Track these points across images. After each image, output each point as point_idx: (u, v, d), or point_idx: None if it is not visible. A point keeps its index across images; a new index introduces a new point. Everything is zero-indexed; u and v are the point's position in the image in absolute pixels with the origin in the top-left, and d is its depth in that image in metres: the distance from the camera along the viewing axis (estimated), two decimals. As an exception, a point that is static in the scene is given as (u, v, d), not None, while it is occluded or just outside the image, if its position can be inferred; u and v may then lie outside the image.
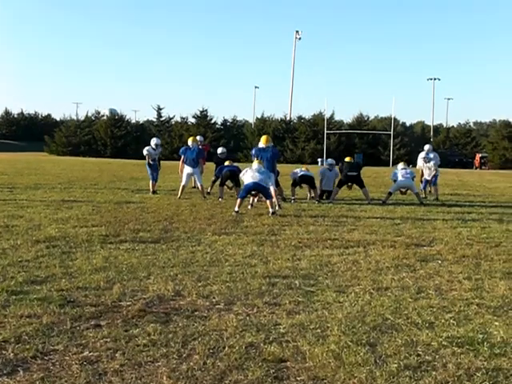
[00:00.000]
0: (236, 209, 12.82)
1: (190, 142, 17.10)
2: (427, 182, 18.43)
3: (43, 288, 6.02)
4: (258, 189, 13.33)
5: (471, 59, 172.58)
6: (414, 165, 20.94)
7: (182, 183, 16.34)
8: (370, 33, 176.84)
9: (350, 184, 17.22)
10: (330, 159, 17.88)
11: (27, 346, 4.40)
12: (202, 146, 18.66)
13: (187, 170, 16.39)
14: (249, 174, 13.34)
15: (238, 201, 13.04)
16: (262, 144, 15.16)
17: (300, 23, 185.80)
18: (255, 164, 13.84)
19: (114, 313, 5.29)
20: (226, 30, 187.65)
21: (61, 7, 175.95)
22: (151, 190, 17.36)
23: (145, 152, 17.93)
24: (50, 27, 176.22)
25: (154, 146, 17.91)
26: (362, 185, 16.56)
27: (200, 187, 16.55)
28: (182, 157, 16.62)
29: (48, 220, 10.88)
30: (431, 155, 18.71)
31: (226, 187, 16.73)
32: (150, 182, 17.63)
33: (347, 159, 17.60)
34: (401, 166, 16.97)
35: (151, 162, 17.72)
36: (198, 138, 18.99)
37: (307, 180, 16.47)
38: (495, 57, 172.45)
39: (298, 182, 16.56)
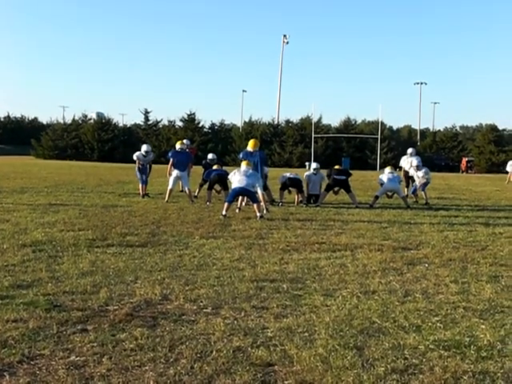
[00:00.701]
0: (223, 212, 12.81)
1: (178, 145, 17.07)
2: (415, 187, 18.53)
3: (29, 292, 5.98)
4: (245, 193, 13.34)
5: (458, 63, 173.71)
6: (400, 168, 21.07)
7: (169, 187, 16.30)
8: (356, 37, 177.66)
9: (337, 189, 17.25)
10: (314, 163, 17.87)
11: (13, 351, 4.37)
12: (188, 150, 18.64)
13: (175, 173, 16.34)
14: (236, 178, 13.34)
15: (226, 205, 13.03)
16: (249, 148, 15.21)
17: (288, 27, 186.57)
18: (243, 166, 13.87)
19: (101, 317, 5.26)
20: (214, 34, 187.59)
21: (47, 10, 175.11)
22: (141, 193, 17.32)
23: (134, 157, 17.92)
24: (34, 30, 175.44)
25: (143, 153, 17.79)
26: (348, 189, 16.58)
27: (187, 191, 16.49)
28: (172, 160, 16.56)
29: (34, 224, 10.82)
30: (418, 159, 18.90)
31: (213, 191, 16.70)
32: (140, 185, 17.58)
33: (336, 167, 17.65)
34: (388, 170, 17.05)
35: (141, 167, 17.67)
36: (184, 141, 18.88)
37: (295, 183, 16.48)
38: (482, 61, 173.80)
39: (288, 185, 16.57)
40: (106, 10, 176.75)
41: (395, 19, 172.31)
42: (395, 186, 16.45)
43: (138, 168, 17.70)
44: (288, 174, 16.85)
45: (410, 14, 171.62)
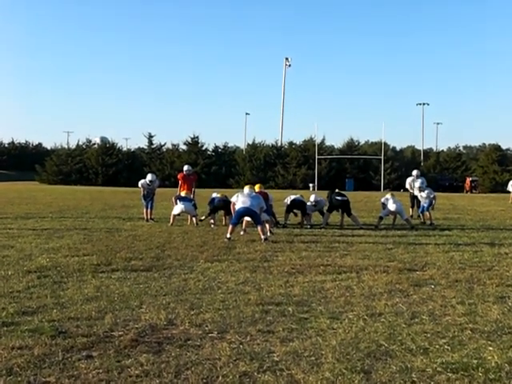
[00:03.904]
0: (228, 235, 12.80)
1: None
2: (423, 207, 18.53)
3: (34, 319, 5.96)
4: (249, 214, 13.33)
5: (459, 84, 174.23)
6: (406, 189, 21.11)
7: (174, 212, 16.30)
8: (359, 59, 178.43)
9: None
10: (313, 195, 17.61)
11: (19, 379, 4.35)
12: (190, 176, 18.70)
13: (180, 207, 16.33)
14: (240, 199, 13.34)
15: (230, 227, 13.02)
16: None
17: (290, 50, 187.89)
18: (246, 189, 13.90)
19: (106, 343, 5.24)
20: (216, 57, 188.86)
21: (50, 35, 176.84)
22: (145, 217, 17.35)
23: (139, 185, 17.95)
24: (36, 55, 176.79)
25: (148, 182, 17.71)
26: (349, 212, 16.50)
27: (194, 219, 16.47)
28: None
29: (39, 250, 10.83)
30: (420, 180, 19.02)
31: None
32: (144, 209, 17.60)
33: (336, 190, 17.65)
34: (388, 196, 16.97)
35: (145, 193, 17.65)
36: (185, 168, 18.97)
37: (300, 205, 16.46)
38: (483, 81, 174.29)
39: (292, 207, 16.55)
40: (108, 33, 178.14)
41: (396, 40, 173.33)
42: (399, 208, 16.43)
43: (143, 195, 17.72)
44: (292, 196, 16.84)
45: (412, 37, 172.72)
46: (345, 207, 16.55)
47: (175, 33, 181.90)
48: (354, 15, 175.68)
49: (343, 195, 16.86)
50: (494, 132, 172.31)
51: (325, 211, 16.84)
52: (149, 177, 18.01)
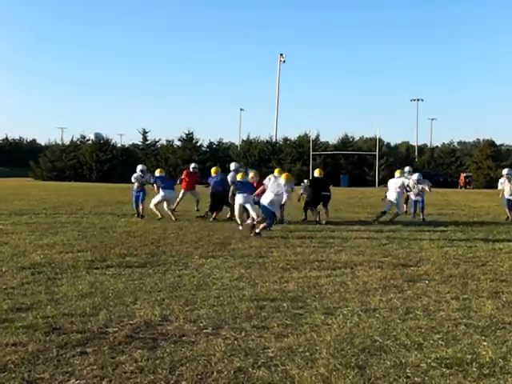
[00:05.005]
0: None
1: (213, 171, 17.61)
2: (415, 202, 18.54)
3: (29, 315, 5.95)
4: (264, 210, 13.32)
5: (454, 80, 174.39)
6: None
7: (154, 201, 16.77)
8: (353, 55, 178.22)
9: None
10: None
11: (13, 375, 4.34)
12: (195, 174, 19.31)
13: (160, 195, 16.77)
14: (268, 195, 13.30)
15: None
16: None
17: (284, 45, 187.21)
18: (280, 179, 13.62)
19: (101, 339, 5.23)
20: (210, 53, 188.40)
21: (46, 31, 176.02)
22: (136, 212, 17.32)
23: (133, 179, 17.85)
24: (33, 52, 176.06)
25: (140, 173, 17.74)
26: (327, 204, 16.82)
27: (170, 212, 16.73)
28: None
29: (33, 246, 10.79)
30: (415, 176, 18.86)
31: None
32: (134, 205, 17.59)
33: (317, 173, 17.62)
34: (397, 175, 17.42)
35: (139, 188, 17.53)
36: (192, 165, 19.75)
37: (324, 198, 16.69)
38: (478, 77, 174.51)
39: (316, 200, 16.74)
40: (103, 29, 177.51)
41: (392, 36, 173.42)
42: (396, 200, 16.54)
43: (137, 190, 17.50)
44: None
45: (406, 31, 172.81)
46: (327, 200, 16.81)
47: (169, 29, 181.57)
48: (348, 11, 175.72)
49: (327, 188, 17.10)
50: (488, 128, 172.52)
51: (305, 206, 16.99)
52: (139, 167, 18.16)
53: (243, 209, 14.35)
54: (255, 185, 14.66)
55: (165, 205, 16.96)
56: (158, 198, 16.77)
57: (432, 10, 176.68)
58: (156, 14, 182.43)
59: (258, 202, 13.88)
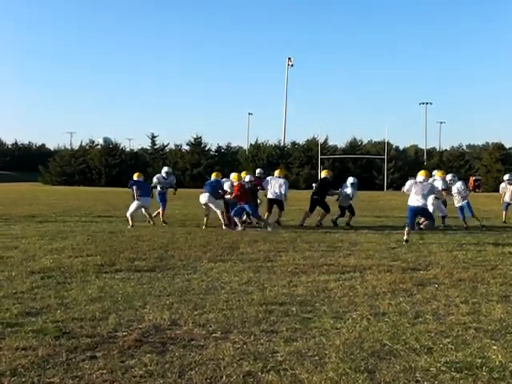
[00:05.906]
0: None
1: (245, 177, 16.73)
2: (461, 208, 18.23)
3: (38, 320, 5.97)
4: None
5: (463, 83, 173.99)
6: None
7: (131, 210, 15.98)
8: (362, 58, 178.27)
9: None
10: (351, 178, 17.60)
11: (23, 379, 4.35)
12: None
13: (135, 204, 16.07)
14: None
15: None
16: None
17: (292, 49, 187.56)
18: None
19: (110, 344, 5.24)
20: (218, 58, 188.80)
21: (49, 37, 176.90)
22: (161, 218, 16.64)
23: (154, 179, 17.35)
24: (42, 59, 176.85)
25: (164, 175, 17.34)
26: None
27: (149, 216, 16.42)
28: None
29: (43, 251, 10.84)
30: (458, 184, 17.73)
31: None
32: (161, 209, 16.82)
33: (323, 174, 17.68)
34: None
35: (161, 190, 17.01)
36: (247, 177, 17.81)
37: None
38: (486, 80, 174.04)
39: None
40: (111, 34, 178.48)
41: (401, 40, 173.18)
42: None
43: (159, 192, 16.99)
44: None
45: (415, 35, 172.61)
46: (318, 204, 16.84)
47: (177, 33, 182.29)
48: (357, 14, 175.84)
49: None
50: (497, 131, 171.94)
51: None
52: (165, 168, 17.74)
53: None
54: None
55: (143, 210, 16.45)
56: (134, 206, 16.00)
57: (441, 13, 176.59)
58: (166, 18, 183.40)
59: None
